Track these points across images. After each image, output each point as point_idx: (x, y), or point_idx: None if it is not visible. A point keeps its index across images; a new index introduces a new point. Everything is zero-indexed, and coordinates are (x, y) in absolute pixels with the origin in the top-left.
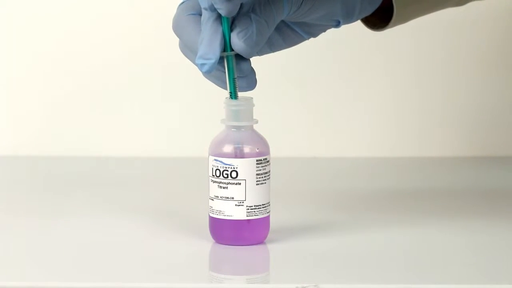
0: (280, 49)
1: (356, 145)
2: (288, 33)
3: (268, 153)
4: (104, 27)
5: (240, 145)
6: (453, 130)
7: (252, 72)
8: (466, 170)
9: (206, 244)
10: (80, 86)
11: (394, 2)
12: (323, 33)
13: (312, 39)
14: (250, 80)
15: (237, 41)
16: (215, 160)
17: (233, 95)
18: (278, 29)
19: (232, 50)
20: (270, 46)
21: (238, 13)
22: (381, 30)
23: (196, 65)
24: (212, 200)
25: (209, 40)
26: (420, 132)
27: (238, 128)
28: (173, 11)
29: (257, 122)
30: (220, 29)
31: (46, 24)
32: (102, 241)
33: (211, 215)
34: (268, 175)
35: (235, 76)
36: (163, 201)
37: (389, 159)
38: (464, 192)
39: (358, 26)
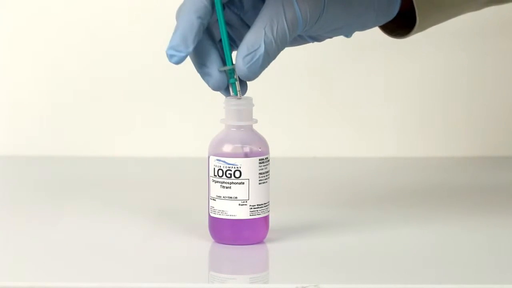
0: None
1: (356, 145)
2: (294, 37)
3: (268, 152)
4: (105, 28)
5: (242, 145)
6: (454, 130)
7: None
8: (466, 170)
9: (206, 244)
10: (80, 86)
11: (417, 15)
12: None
13: None
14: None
15: (241, 67)
16: (218, 160)
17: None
18: None
19: (232, 64)
20: None
21: (252, 26)
22: (400, 38)
23: (166, 53)
24: (214, 200)
25: (183, 32)
26: (421, 133)
27: (238, 127)
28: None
29: (256, 121)
30: (196, 23)
31: (46, 24)
32: (102, 241)
33: (213, 215)
34: (269, 174)
35: (238, 89)
36: (163, 201)
37: (389, 159)
38: (464, 192)
39: None
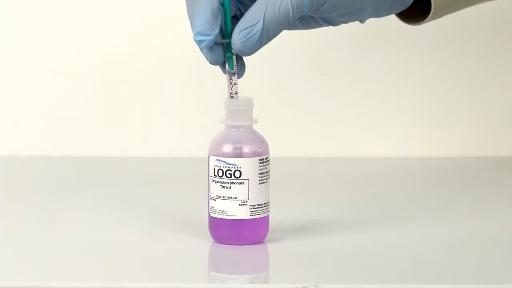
0: (297, 29)
1: (356, 145)
2: (307, 19)
3: (268, 152)
4: (105, 28)
5: (242, 145)
6: (454, 130)
7: (241, 68)
8: (467, 170)
9: (206, 244)
10: (81, 86)
11: (432, 2)
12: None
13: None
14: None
15: (236, 41)
16: (218, 160)
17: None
18: None
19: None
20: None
21: (256, 2)
22: (415, 25)
23: (195, 40)
24: (214, 200)
25: (205, 15)
26: (422, 133)
27: (237, 128)
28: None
29: (256, 121)
30: (216, 2)
31: (47, 24)
32: (102, 241)
33: (213, 215)
34: (269, 174)
35: (234, 63)
36: (163, 201)
37: (389, 159)
38: (464, 192)
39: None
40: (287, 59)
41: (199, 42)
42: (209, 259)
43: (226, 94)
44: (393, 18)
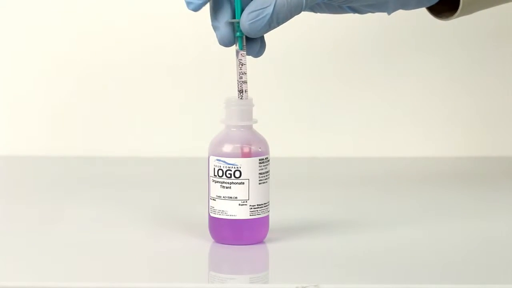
0: (322, 13)
1: (356, 145)
2: (332, 4)
3: (268, 152)
4: (105, 28)
5: (243, 145)
6: (453, 130)
7: (261, 48)
8: (466, 170)
9: (206, 244)
10: (81, 86)
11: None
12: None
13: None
14: (259, 51)
15: (244, 22)
16: (218, 160)
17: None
18: None
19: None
20: (312, 8)
21: None
22: (445, 20)
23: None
24: (214, 200)
25: None
26: (421, 133)
27: (238, 128)
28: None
29: (256, 121)
30: None
31: (47, 25)
32: (102, 241)
33: (213, 215)
34: (269, 174)
35: (244, 44)
36: (163, 201)
37: (389, 159)
38: (464, 192)
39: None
40: (288, 59)
41: (187, 4)
42: (209, 259)
43: (226, 94)
44: (394, 18)
